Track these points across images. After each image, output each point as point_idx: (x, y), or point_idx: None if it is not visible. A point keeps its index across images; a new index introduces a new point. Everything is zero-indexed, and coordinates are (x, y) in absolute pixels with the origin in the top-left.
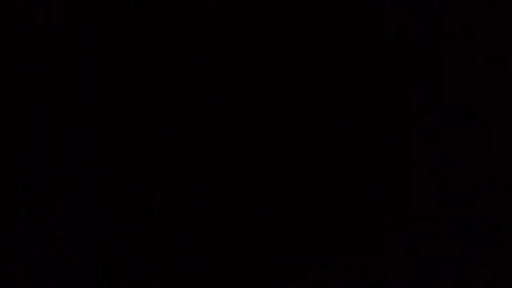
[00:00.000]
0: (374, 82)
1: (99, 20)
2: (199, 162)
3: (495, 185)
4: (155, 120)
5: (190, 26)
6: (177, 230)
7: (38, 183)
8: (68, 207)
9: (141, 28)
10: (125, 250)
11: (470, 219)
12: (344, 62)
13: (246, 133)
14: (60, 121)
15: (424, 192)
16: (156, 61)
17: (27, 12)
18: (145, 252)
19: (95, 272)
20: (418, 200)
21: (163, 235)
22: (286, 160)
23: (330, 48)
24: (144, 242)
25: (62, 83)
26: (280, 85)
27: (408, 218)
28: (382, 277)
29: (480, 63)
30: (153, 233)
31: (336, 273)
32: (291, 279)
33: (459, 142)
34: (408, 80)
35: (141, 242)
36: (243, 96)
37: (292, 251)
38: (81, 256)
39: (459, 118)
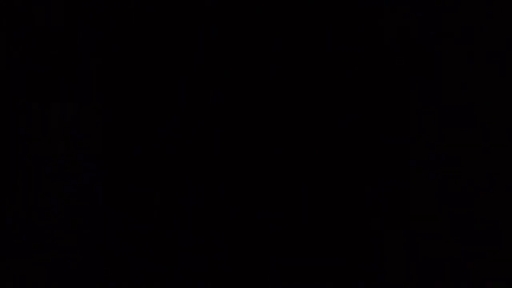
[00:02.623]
0: (374, 82)
1: (99, 20)
2: (199, 162)
3: (495, 185)
4: (155, 120)
5: (190, 26)
6: (177, 230)
7: (38, 183)
8: (68, 207)
9: (141, 28)
10: (125, 250)
11: (470, 219)
12: (344, 62)
13: (246, 133)
14: (60, 121)
15: (424, 192)
16: (156, 61)
17: (27, 12)
18: (145, 252)
19: (95, 272)
20: (418, 200)
21: (163, 235)
22: (286, 160)
23: (330, 48)
24: (144, 242)
25: (62, 83)
26: (280, 85)
27: (408, 218)
28: (382, 277)
29: (480, 63)
30: (153, 233)
31: (336, 273)
32: (291, 279)
33: (459, 142)
34: (408, 80)
35: (141, 242)
36: (243, 96)
37: (292, 251)
38: (81, 256)
39: (459, 118)
